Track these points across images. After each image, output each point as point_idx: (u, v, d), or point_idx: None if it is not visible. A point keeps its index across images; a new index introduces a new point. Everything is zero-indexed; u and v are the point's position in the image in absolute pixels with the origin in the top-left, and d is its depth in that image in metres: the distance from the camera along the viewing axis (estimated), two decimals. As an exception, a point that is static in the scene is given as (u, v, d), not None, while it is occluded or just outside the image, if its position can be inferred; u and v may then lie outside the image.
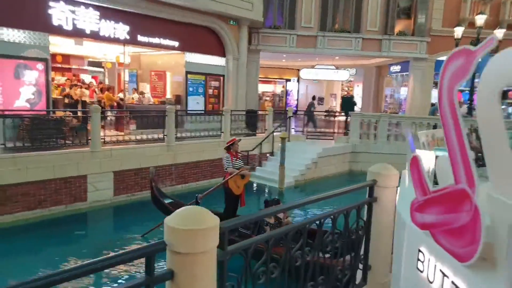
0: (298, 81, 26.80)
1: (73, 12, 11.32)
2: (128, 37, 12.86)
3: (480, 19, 14.94)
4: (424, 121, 14.58)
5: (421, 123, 14.49)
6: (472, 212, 1.56)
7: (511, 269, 1.30)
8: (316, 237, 2.86)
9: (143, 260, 1.79)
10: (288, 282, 2.64)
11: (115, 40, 12.70)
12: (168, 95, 15.54)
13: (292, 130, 15.87)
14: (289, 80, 27.33)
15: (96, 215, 9.62)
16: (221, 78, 16.17)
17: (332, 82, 25.63)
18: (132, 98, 14.64)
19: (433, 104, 18.37)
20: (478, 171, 1.61)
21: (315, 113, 17.54)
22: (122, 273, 6.58)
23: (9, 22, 10.06)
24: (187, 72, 14.94)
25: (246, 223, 6.14)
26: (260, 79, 19.61)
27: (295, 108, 21.87)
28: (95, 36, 12.05)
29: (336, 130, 16.31)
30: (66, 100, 13.31)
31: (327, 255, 3.00)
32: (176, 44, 14.26)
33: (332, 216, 2.95)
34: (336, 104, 26.38)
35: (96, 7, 11.80)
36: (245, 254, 2.25)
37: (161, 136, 11.42)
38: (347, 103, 18.78)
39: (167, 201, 8.00)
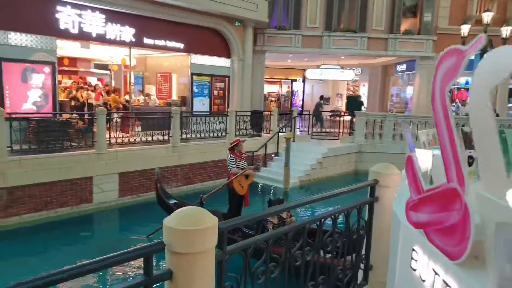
0: (303, 81, 26.71)
1: (79, 16, 11.44)
2: (134, 40, 12.96)
3: (487, 17, 14.79)
4: (430, 121, 14.46)
5: (426, 122, 14.39)
6: (463, 211, 1.57)
7: (499, 267, 1.31)
8: (316, 236, 2.87)
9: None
10: (288, 281, 2.65)
11: (121, 43, 12.80)
12: (174, 97, 15.59)
13: (297, 130, 15.86)
14: (295, 80, 27.23)
15: (102, 217, 9.70)
16: (226, 79, 16.20)
17: (338, 82, 25.51)
18: (138, 100, 14.74)
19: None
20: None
21: (322, 113, 17.51)
22: (122, 273, 6.63)
23: (17, 27, 10.20)
24: (193, 74, 14.99)
25: (247, 223, 6.15)
26: (265, 79, 19.59)
27: (300, 109, 21.81)
28: (101, 39, 12.17)
29: (341, 130, 16.28)
30: (73, 103, 13.41)
31: (328, 255, 3.01)
32: (181, 46, 14.33)
33: (332, 216, 2.95)
34: (342, 104, 26.27)
35: (102, 11, 11.91)
36: (245, 254, 2.26)
37: (166, 137, 11.49)
38: (353, 103, 18.71)
39: (171, 201, 8.05)
